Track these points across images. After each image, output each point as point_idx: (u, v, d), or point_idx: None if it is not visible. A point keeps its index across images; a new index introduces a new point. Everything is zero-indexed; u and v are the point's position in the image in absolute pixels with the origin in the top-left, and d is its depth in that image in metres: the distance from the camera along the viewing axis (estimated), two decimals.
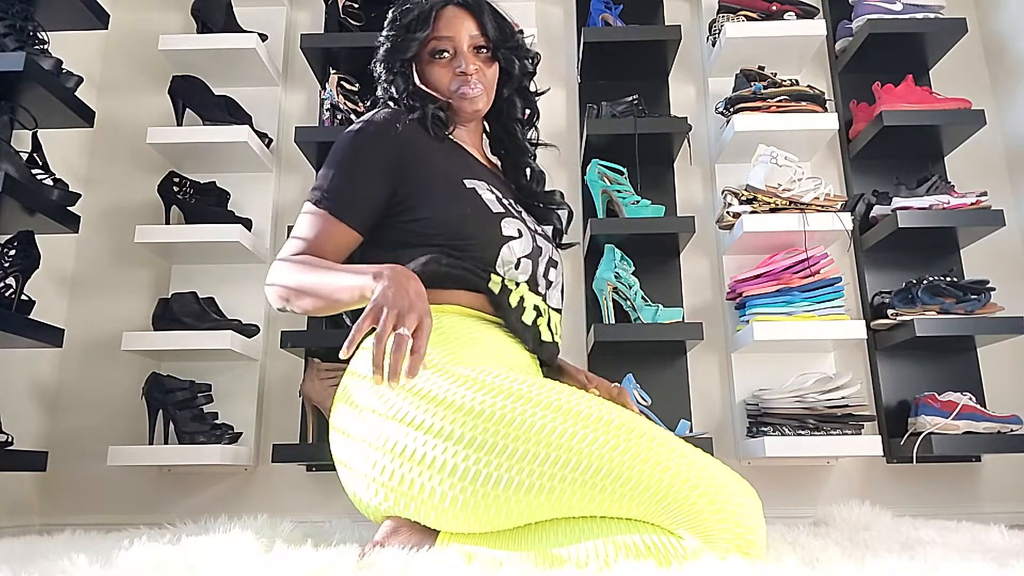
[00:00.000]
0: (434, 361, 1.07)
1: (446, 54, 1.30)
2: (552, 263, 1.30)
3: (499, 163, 1.48)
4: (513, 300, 1.22)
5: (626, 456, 0.92)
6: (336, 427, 1.14)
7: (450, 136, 1.33)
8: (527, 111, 1.43)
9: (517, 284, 1.22)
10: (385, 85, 1.36)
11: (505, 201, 1.29)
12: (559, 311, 1.32)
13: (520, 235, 1.23)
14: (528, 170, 1.43)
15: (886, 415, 2.12)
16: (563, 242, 1.47)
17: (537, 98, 1.44)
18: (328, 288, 1.10)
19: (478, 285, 1.20)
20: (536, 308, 1.24)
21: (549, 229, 1.40)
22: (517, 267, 1.22)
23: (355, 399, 1.10)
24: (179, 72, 2.33)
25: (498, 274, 1.21)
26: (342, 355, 0.94)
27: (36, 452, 1.98)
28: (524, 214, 1.34)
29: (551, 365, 1.33)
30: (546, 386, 1.01)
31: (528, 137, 1.45)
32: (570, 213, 1.48)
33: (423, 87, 1.33)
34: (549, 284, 1.28)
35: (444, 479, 0.97)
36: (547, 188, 1.46)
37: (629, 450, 0.92)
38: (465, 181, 1.26)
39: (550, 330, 1.27)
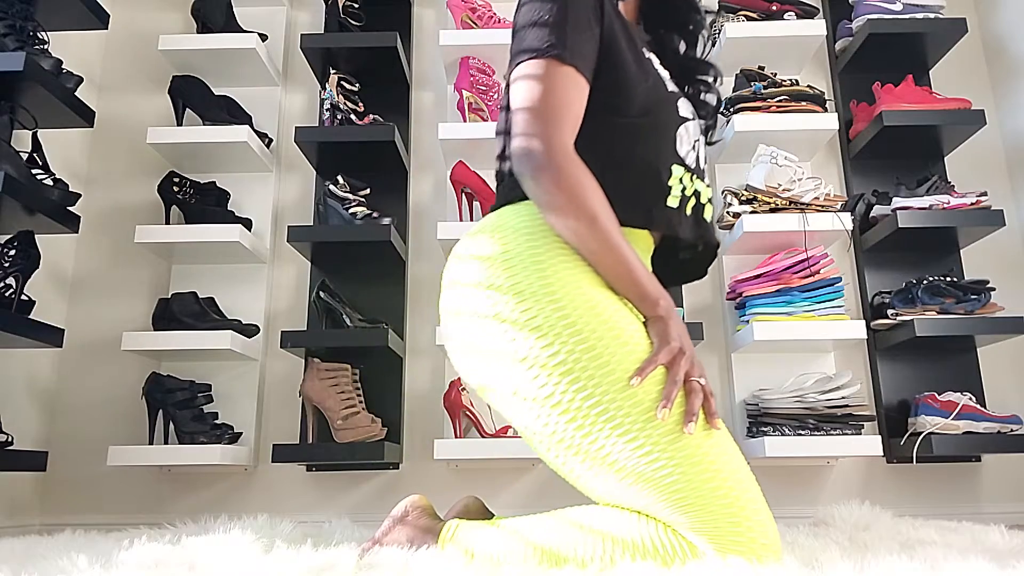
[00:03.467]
0: (584, 291, 0.99)
1: None
2: (704, 157, 1.20)
3: None
4: (689, 208, 1.11)
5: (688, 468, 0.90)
6: (480, 344, 1.02)
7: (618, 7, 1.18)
8: None
9: (692, 180, 1.12)
10: None
11: (672, 81, 1.18)
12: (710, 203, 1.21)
13: (693, 117, 1.15)
14: (686, 45, 1.26)
15: (886, 415, 2.12)
16: (712, 139, 1.31)
17: None
18: (621, 258, 0.99)
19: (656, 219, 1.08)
20: (697, 194, 1.13)
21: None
22: (694, 148, 1.13)
23: (504, 314, 1.00)
24: (179, 72, 2.33)
25: (679, 163, 1.10)
26: (634, 383, 0.91)
27: (36, 452, 1.98)
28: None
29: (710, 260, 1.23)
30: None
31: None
32: (719, 102, 1.31)
33: None
34: (703, 175, 1.18)
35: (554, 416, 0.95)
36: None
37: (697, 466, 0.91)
38: (643, 50, 1.15)
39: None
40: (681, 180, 1.10)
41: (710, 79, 1.28)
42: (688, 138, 1.13)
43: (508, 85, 1.09)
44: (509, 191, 1.10)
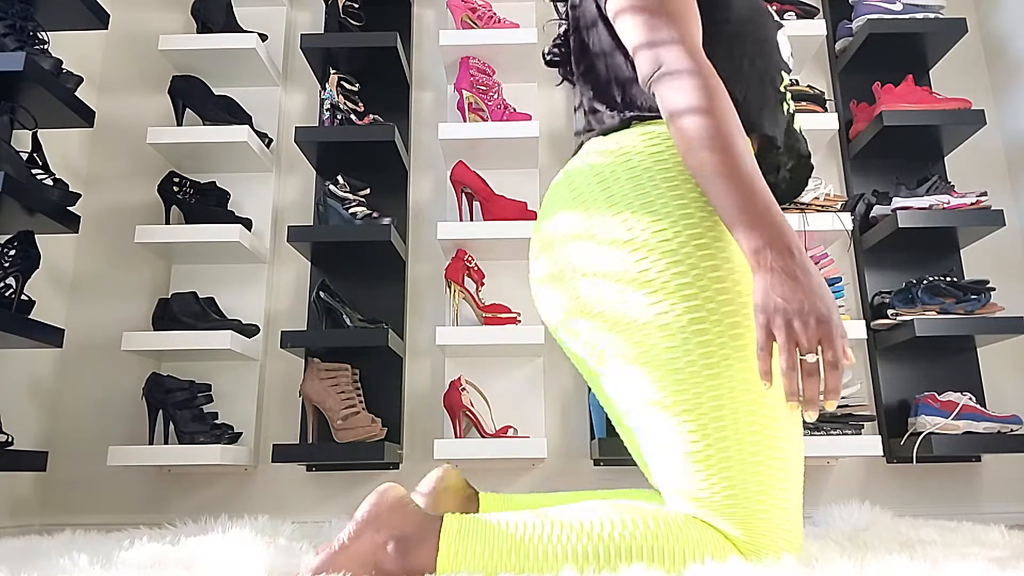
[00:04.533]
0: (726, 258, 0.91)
1: None
2: None
3: None
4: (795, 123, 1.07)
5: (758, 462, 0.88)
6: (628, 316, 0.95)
7: None
8: None
9: (787, 90, 1.08)
10: None
11: None
12: None
13: (782, 26, 1.13)
14: None
15: (886, 415, 2.12)
16: None
17: None
18: (748, 179, 0.87)
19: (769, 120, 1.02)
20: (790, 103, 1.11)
21: None
22: (792, 55, 1.10)
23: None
24: (179, 72, 2.34)
25: (785, 69, 1.07)
26: (766, 387, 0.83)
27: (36, 452, 1.97)
28: None
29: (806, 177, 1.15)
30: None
31: None
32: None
33: None
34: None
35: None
36: None
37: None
38: None
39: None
40: (786, 87, 1.08)
41: None
42: (786, 42, 1.11)
43: (580, 12, 1.09)
44: (621, 117, 1.05)
